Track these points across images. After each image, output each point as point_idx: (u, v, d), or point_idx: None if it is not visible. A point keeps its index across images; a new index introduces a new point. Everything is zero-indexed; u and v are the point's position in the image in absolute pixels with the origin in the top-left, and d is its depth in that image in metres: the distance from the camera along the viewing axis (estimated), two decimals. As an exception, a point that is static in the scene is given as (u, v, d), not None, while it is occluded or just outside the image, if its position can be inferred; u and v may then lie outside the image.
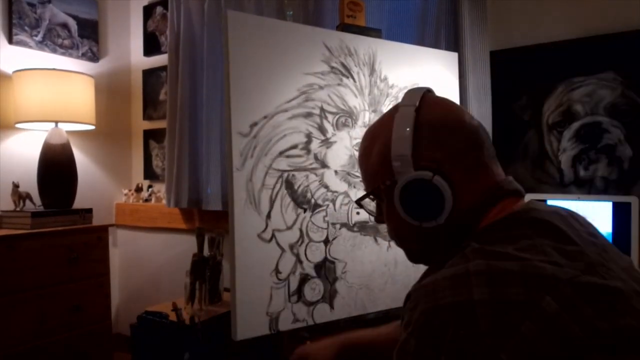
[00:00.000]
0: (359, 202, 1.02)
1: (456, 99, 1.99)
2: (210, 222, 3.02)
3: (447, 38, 2.26)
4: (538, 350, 0.60)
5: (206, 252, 2.74)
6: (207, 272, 2.67)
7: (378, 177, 0.91)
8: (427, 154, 0.84)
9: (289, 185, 1.54)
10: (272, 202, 1.51)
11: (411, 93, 0.89)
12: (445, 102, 0.90)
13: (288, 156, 1.54)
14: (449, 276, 0.70)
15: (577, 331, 0.62)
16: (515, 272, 0.67)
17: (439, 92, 1.86)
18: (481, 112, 2.22)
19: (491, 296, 0.64)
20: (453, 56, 2.01)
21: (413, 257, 0.95)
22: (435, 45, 2.19)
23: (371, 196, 0.97)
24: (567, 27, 2.13)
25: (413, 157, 0.84)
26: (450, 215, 0.82)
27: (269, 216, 1.50)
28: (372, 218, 1.69)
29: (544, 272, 0.67)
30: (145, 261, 3.50)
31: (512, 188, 0.87)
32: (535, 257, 0.69)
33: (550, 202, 2.00)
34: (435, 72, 1.92)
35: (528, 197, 2.05)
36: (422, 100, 0.87)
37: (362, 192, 1.68)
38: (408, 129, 0.84)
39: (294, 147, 1.56)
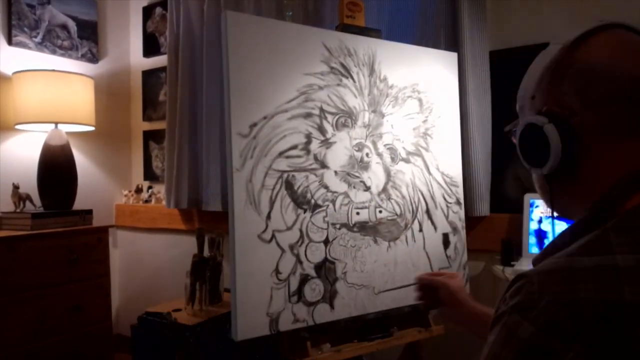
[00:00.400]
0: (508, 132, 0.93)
1: (455, 99, 1.99)
2: (210, 223, 3.02)
3: (447, 38, 2.26)
4: None
5: (206, 252, 2.74)
6: (207, 272, 2.67)
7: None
8: (561, 98, 0.74)
9: (289, 185, 1.54)
10: (272, 203, 1.51)
11: (579, 31, 0.76)
12: (616, 43, 0.73)
13: (288, 157, 1.54)
14: (592, 266, 0.60)
15: None
16: None
17: (439, 93, 1.88)
18: (480, 112, 2.22)
19: None
20: (452, 56, 2.01)
21: (547, 206, 0.85)
22: (434, 45, 2.19)
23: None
24: (566, 26, 2.13)
25: (535, 100, 0.78)
26: (570, 175, 0.75)
27: (269, 217, 1.50)
28: (374, 218, 1.70)
29: None
30: (146, 262, 3.51)
31: None
32: None
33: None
34: (435, 72, 1.92)
35: (527, 197, 2.06)
36: (585, 37, 0.74)
37: (361, 193, 1.69)
38: (539, 70, 0.77)
39: (294, 147, 1.56)
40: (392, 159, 1.76)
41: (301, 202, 1.56)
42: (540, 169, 0.77)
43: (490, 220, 2.28)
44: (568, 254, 0.64)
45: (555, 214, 0.83)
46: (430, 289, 1.35)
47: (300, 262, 1.54)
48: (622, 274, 0.58)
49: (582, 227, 0.70)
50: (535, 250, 2.04)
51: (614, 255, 0.60)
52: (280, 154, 1.53)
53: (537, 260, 0.75)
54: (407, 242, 1.78)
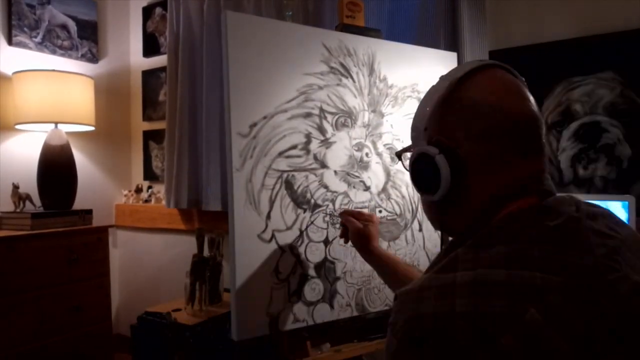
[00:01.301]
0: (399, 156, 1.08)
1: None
2: (210, 223, 3.02)
3: (446, 38, 2.26)
4: None
5: (206, 252, 2.74)
6: (207, 272, 2.67)
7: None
8: (448, 131, 0.83)
9: (289, 185, 1.54)
10: (271, 203, 1.51)
11: (462, 67, 0.87)
12: (496, 83, 0.83)
13: (288, 156, 1.54)
14: (436, 285, 0.69)
15: (563, 344, 0.60)
16: (501, 282, 0.65)
17: (438, 92, 1.87)
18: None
19: (473, 308, 0.64)
20: (452, 56, 2.01)
21: (432, 224, 0.96)
22: (434, 45, 2.19)
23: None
24: (566, 26, 2.13)
25: (430, 131, 0.85)
26: (455, 198, 0.83)
27: (268, 216, 1.50)
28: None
29: (533, 282, 0.65)
30: (145, 262, 3.51)
31: (540, 187, 0.81)
32: (528, 264, 0.67)
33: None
34: (435, 72, 1.91)
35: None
36: (471, 74, 0.84)
37: (361, 193, 1.69)
38: (429, 104, 0.86)
39: (294, 147, 1.56)
40: (392, 159, 1.76)
41: (301, 202, 1.56)
42: (432, 195, 0.86)
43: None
44: (427, 274, 0.75)
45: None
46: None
47: (300, 262, 1.54)
48: (457, 289, 0.66)
49: (450, 247, 0.81)
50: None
51: (455, 272, 0.69)
52: (280, 153, 1.53)
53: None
54: (407, 241, 1.78)
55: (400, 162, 1.06)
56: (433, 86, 0.89)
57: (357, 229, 1.44)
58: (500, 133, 0.79)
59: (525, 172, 0.80)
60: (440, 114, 0.84)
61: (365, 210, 1.60)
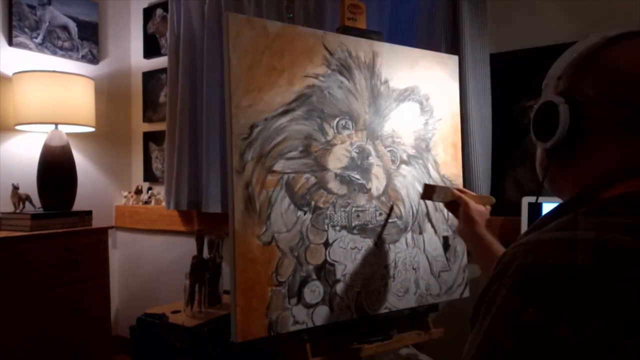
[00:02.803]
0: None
1: (456, 102, 1.98)
2: (209, 225, 3.02)
3: (447, 41, 2.26)
4: None
5: (206, 254, 2.74)
6: (207, 274, 2.67)
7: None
8: (582, 86, 0.80)
9: (289, 187, 1.54)
10: (271, 205, 1.50)
11: (618, 29, 0.82)
12: None
13: (288, 158, 1.54)
14: (554, 238, 0.67)
15: None
16: (626, 247, 0.62)
17: (439, 95, 1.88)
18: (481, 115, 2.22)
19: (596, 264, 0.61)
20: (453, 59, 2.01)
21: (540, 175, 0.93)
22: (435, 48, 2.19)
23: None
24: (567, 29, 2.13)
25: (563, 81, 0.84)
26: (570, 155, 0.82)
27: (268, 218, 1.49)
28: (374, 220, 1.70)
29: None
30: (145, 263, 3.50)
31: None
32: None
33: (548, 205, 2.00)
34: (436, 74, 1.92)
35: (525, 200, 2.06)
36: (621, 39, 0.80)
37: (362, 196, 1.69)
38: (571, 55, 0.84)
39: (294, 149, 1.55)
40: (393, 162, 1.76)
41: (301, 204, 1.56)
42: (544, 143, 0.85)
43: (490, 223, 2.27)
44: (541, 231, 0.72)
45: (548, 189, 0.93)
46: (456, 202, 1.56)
47: (300, 264, 1.54)
48: (579, 244, 0.64)
49: (560, 211, 0.79)
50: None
51: (575, 231, 0.67)
52: (281, 155, 1.53)
53: (520, 238, 0.80)
54: (407, 244, 1.78)
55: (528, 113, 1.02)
56: (583, 40, 0.85)
57: (467, 204, 1.51)
58: (633, 105, 0.75)
59: None
60: (580, 67, 0.82)
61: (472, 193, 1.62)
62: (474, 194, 1.61)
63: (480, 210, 1.52)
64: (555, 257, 0.64)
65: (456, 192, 1.58)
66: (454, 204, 1.58)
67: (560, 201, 0.85)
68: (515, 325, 0.63)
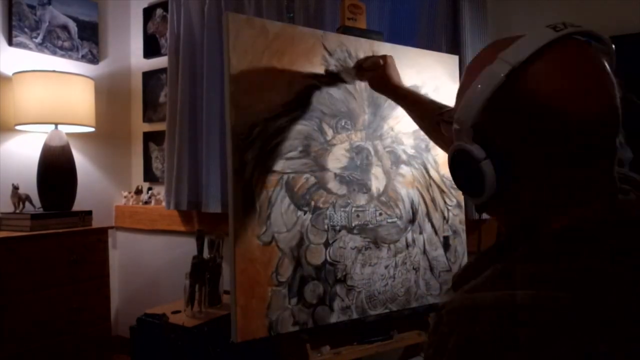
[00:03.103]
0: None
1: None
2: (209, 225, 3.01)
3: (448, 41, 2.25)
4: None
5: (206, 254, 2.73)
6: (207, 274, 2.66)
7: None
8: (500, 129, 0.71)
9: (289, 187, 1.54)
10: (271, 205, 1.50)
11: (525, 42, 0.69)
12: (565, 71, 0.68)
13: (287, 158, 1.54)
14: (490, 304, 0.61)
15: None
16: (566, 306, 0.57)
17: (440, 95, 1.88)
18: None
19: (537, 335, 0.57)
20: (453, 59, 2.01)
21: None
22: (436, 47, 2.18)
23: None
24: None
25: (478, 127, 0.71)
26: (501, 201, 0.74)
27: (268, 218, 1.49)
28: (374, 220, 1.70)
29: (600, 310, 0.57)
30: (145, 263, 3.50)
31: (612, 189, 0.73)
32: (602, 284, 0.59)
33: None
34: (436, 74, 1.91)
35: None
36: (540, 57, 0.68)
37: (361, 196, 1.68)
38: (482, 91, 0.69)
39: (294, 149, 1.55)
40: (393, 162, 1.75)
41: (301, 204, 1.56)
42: (474, 199, 0.77)
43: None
44: (473, 288, 0.66)
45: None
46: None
47: (300, 264, 1.54)
48: (519, 314, 0.59)
49: (497, 250, 0.76)
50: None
51: (514, 290, 0.61)
52: (280, 155, 1.53)
53: (456, 282, 0.79)
54: (407, 244, 1.78)
55: (443, 124, 0.89)
56: (489, 67, 0.70)
57: (378, 66, 1.57)
58: (562, 138, 0.67)
59: (589, 177, 0.70)
60: (495, 107, 0.70)
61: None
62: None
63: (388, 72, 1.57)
64: (491, 331, 0.59)
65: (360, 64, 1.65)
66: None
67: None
68: None
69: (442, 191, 1.89)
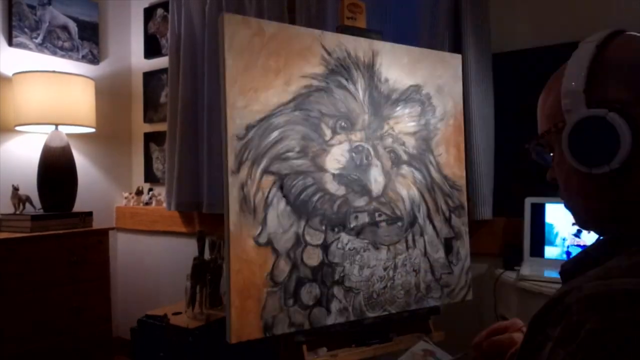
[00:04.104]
0: (529, 148, 0.86)
1: (458, 102, 1.96)
2: (210, 226, 3.00)
3: (450, 40, 2.24)
4: None
5: (207, 255, 2.73)
6: (208, 275, 2.65)
7: (550, 120, 0.79)
8: (610, 93, 0.71)
9: (286, 188, 1.52)
10: (268, 206, 1.49)
11: (598, 33, 0.76)
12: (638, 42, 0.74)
13: (285, 159, 1.52)
14: (632, 290, 0.56)
15: None
16: None
17: (441, 95, 1.86)
18: (483, 115, 2.20)
19: None
20: (456, 58, 1.99)
21: (580, 218, 0.80)
22: (437, 47, 2.17)
23: (542, 144, 0.83)
24: (569, 29, 2.11)
25: (587, 94, 0.72)
26: (630, 172, 0.69)
27: (264, 219, 1.48)
28: (373, 222, 1.68)
29: None
30: (146, 265, 3.49)
31: None
32: None
33: (551, 206, 1.98)
34: (438, 74, 1.90)
35: (528, 200, 2.04)
36: (610, 38, 0.75)
37: (360, 197, 1.66)
38: (584, 63, 0.73)
39: (291, 150, 1.54)
40: (393, 162, 1.74)
41: (298, 205, 1.54)
42: (607, 164, 0.69)
43: (493, 224, 2.26)
44: (607, 275, 0.61)
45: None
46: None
47: (297, 266, 1.52)
48: None
49: (618, 243, 0.69)
50: (533, 253, 2.02)
51: None
52: (277, 156, 1.51)
53: (567, 273, 0.73)
54: (407, 246, 1.76)
55: (535, 154, 0.86)
56: (577, 51, 0.77)
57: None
58: None
59: None
60: (598, 75, 0.72)
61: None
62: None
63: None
64: (635, 317, 0.53)
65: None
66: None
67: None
68: None
69: (444, 192, 1.87)
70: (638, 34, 0.76)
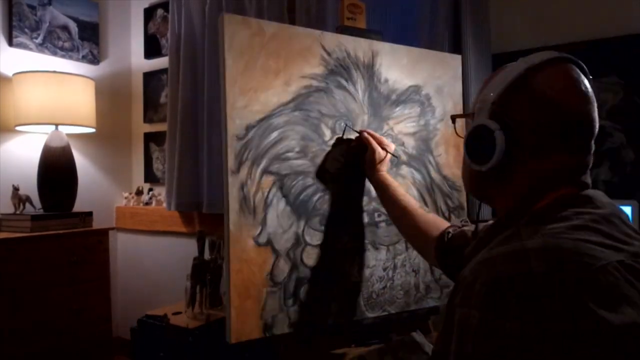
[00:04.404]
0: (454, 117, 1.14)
1: (458, 102, 1.96)
2: (210, 226, 3.01)
3: (449, 41, 2.24)
4: (604, 322, 0.66)
5: (207, 255, 2.73)
6: (208, 275, 2.66)
7: (474, 107, 0.98)
8: (514, 112, 0.88)
9: (285, 188, 1.52)
10: (267, 206, 1.49)
11: (541, 55, 0.91)
12: (566, 80, 0.89)
13: (284, 159, 1.52)
14: (506, 252, 0.76)
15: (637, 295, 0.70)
16: (569, 249, 0.72)
17: (441, 96, 1.86)
18: (482, 115, 2.20)
19: (548, 269, 0.70)
20: (456, 58, 1.99)
21: (464, 187, 1.13)
22: (437, 47, 2.17)
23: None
24: (569, 30, 2.11)
25: (495, 105, 0.90)
26: (502, 175, 0.92)
27: (264, 219, 1.48)
28: (372, 222, 1.68)
29: (594, 253, 0.72)
30: (146, 265, 3.50)
31: (580, 180, 0.90)
32: (588, 241, 0.75)
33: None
34: (438, 74, 1.89)
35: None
36: (547, 65, 0.89)
37: (360, 197, 1.66)
38: (508, 79, 0.90)
39: (291, 150, 1.54)
40: (392, 163, 1.74)
41: (297, 205, 1.54)
42: (479, 165, 0.93)
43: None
44: (490, 248, 0.82)
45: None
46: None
47: (296, 266, 1.52)
48: (529, 252, 0.73)
49: (501, 224, 0.90)
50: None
51: (522, 241, 0.77)
52: (277, 156, 1.51)
53: (468, 253, 0.94)
54: (406, 246, 1.76)
55: (453, 125, 1.12)
56: (512, 64, 0.93)
57: (374, 150, 1.56)
58: (556, 129, 0.86)
59: (571, 165, 0.89)
60: (511, 95, 0.89)
61: (384, 139, 1.63)
62: (381, 139, 1.62)
63: (381, 155, 1.58)
64: (511, 270, 0.72)
65: (365, 135, 1.60)
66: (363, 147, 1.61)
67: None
68: (501, 338, 0.68)
69: (443, 193, 1.87)
70: (575, 67, 0.91)
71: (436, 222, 1.45)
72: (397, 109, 1.77)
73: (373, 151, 1.56)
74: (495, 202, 0.98)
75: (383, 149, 1.58)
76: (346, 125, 1.63)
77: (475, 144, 0.93)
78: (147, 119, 3.56)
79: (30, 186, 2.83)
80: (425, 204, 1.81)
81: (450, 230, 1.37)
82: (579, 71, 0.91)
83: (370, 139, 1.59)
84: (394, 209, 1.53)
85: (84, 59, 3.28)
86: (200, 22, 3.03)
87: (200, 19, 3.03)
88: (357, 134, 1.63)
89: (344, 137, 1.63)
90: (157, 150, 3.50)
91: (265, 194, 1.49)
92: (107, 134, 3.45)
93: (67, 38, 3.18)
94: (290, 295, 1.51)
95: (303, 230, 1.54)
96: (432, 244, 1.38)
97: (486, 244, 0.86)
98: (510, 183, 0.92)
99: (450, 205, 1.89)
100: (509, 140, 0.88)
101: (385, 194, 1.55)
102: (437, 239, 1.37)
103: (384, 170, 1.58)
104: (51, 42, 3.09)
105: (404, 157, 1.78)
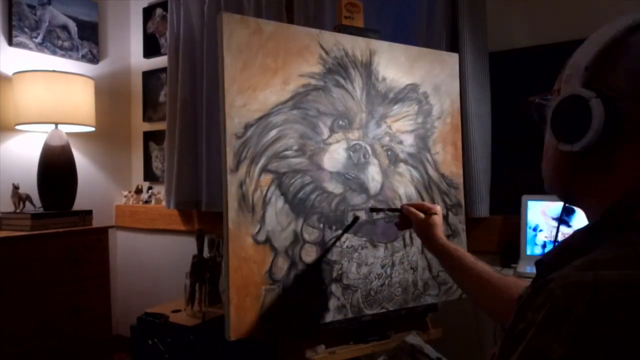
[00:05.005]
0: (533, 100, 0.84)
1: (455, 101, 1.97)
2: (209, 224, 3.01)
3: (447, 39, 2.25)
4: None
5: (206, 253, 2.74)
6: (207, 273, 2.66)
7: (558, 82, 0.79)
8: (612, 79, 0.68)
9: (284, 186, 1.53)
10: (266, 204, 1.50)
11: (636, 14, 0.72)
12: None
13: (283, 157, 1.54)
14: (617, 281, 0.56)
15: None
16: None
17: (438, 94, 1.87)
18: (480, 114, 2.21)
19: None
20: (453, 57, 2.00)
21: (547, 185, 0.82)
22: (434, 46, 2.18)
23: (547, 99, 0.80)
24: (566, 28, 2.12)
25: (589, 72, 0.70)
26: (598, 160, 0.70)
27: (263, 217, 1.49)
28: (371, 220, 1.69)
29: None
30: (145, 263, 3.51)
31: None
32: None
33: (548, 205, 2.00)
34: (435, 73, 1.91)
35: (525, 198, 2.05)
36: None
37: (358, 195, 1.67)
38: (601, 40, 0.71)
39: (289, 148, 1.55)
40: (390, 161, 1.75)
41: (296, 203, 1.55)
42: (571, 144, 0.71)
43: (490, 222, 2.27)
44: (593, 266, 0.60)
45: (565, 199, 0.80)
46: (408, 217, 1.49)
47: (295, 264, 1.54)
48: None
49: (600, 228, 0.68)
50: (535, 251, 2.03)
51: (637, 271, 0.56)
52: (276, 154, 1.52)
53: (549, 264, 0.70)
54: (404, 244, 1.77)
55: (533, 109, 0.84)
56: (607, 24, 0.73)
57: (420, 219, 1.44)
58: None
59: None
60: (609, 57, 0.69)
61: (427, 203, 1.54)
62: (423, 204, 1.53)
63: (432, 222, 1.44)
64: (620, 307, 0.53)
65: (406, 208, 1.50)
66: (406, 220, 1.51)
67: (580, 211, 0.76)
68: None
69: (441, 190, 1.89)
70: None
71: (517, 284, 1.18)
72: (395, 107, 1.79)
73: (419, 221, 1.45)
74: (588, 200, 0.76)
75: (426, 213, 1.46)
76: (355, 216, 1.65)
77: (565, 120, 0.72)
78: (147, 118, 3.56)
79: (30, 185, 2.83)
80: (423, 201, 1.82)
81: None
82: None
83: (411, 209, 1.48)
84: (468, 281, 1.32)
85: (83, 58, 3.29)
86: (199, 22, 3.03)
87: (199, 18, 3.04)
88: (397, 211, 1.57)
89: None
90: (157, 148, 3.51)
91: (264, 192, 1.50)
92: (107, 132, 3.45)
93: (67, 37, 3.18)
94: (289, 293, 1.52)
95: (301, 228, 1.56)
96: None
97: (579, 253, 0.64)
98: (613, 171, 0.70)
99: (448, 203, 1.90)
100: (609, 112, 0.66)
101: (452, 264, 1.36)
102: None
103: (441, 235, 1.42)
104: (51, 42, 3.09)
105: (401, 156, 1.79)
